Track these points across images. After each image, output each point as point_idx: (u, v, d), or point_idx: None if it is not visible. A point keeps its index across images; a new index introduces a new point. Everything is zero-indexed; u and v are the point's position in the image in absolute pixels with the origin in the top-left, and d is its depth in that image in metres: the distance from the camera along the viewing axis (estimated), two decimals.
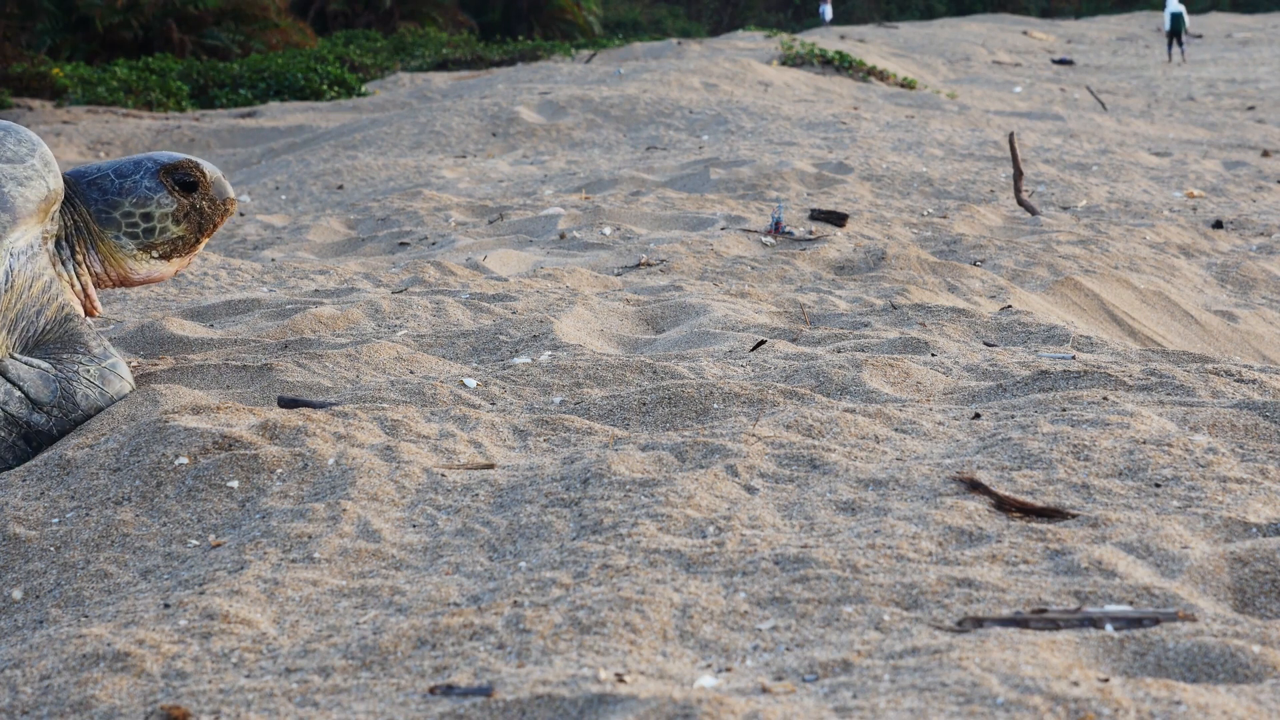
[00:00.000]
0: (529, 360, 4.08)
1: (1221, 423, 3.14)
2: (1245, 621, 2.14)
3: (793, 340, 4.46)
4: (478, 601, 2.33)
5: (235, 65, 25.13)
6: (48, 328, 3.80)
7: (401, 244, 7.55)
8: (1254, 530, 2.51)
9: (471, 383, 3.77)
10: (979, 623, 2.14)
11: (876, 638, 2.11)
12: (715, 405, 3.45)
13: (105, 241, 4.08)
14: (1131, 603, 2.20)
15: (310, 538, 2.64)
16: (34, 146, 3.89)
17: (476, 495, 2.84)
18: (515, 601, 2.29)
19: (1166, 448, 2.93)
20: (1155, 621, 2.13)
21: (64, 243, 4.04)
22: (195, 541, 2.75)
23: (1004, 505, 2.62)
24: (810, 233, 7.15)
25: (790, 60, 21.75)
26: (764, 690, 1.96)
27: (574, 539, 2.58)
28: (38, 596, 2.63)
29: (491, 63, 29.02)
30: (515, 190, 9.87)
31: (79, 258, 4.07)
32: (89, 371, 3.73)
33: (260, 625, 2.30)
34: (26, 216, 3.79)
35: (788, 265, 6.28)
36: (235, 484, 2.92)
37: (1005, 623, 2.14)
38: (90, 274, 4.11)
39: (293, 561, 2.55)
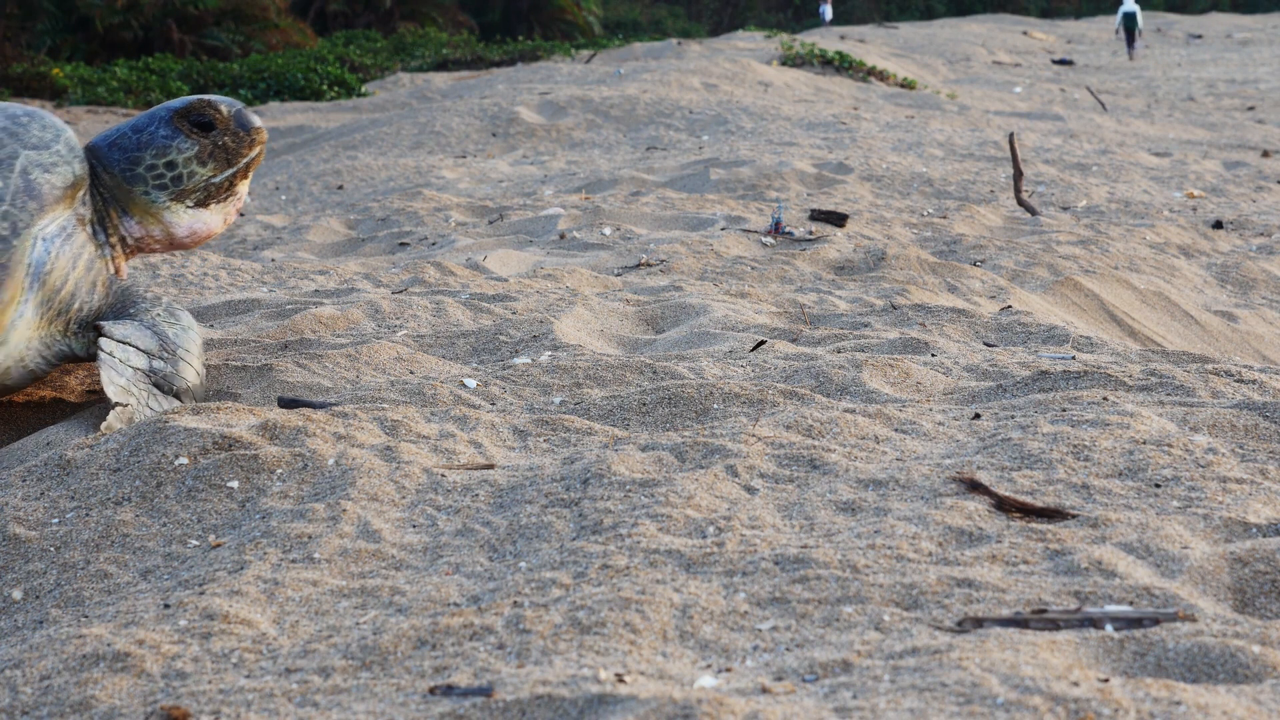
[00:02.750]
0: (529, 360, 4.09)
1: (1221, 423, 3.14)
2: (1245, 621, 2.14)
3: (793, 340, 4.46)
4: (478, 602, 2.33)
5: (235, 65, 25.14)
6: (102, 301, 3.90)
7: (401, 244, 7.56)
8: (1254, 530, 2.51)
9: (471, 383, 3.77)
10: (979, 623, 2.14)
11: (876, 638, 2.11)
12: (715, 405, 3.45)
13: (136, 201, 4.08)
14: (1131, 603, 2.20)
15: (310, 538, 2.64)
16: (59, 132, 3.91)
17: (476, 495, 2.84)
18: (515, 602, 2.29)
19: (1166, 448, 2.93)
20: (1155, 622, 2.13)
21: (97, 226, 4.06)
22: (195, 542, 2.75)
23: (1004, 505, 2.62)
24: (810, 233, 7.16)
25: (790, 60, 21.75)
26: (764, 690, 1.96)
27: (574, 539, 2.58)
28: (38, 597, 2.63)
29: (491, 63, 29.03)
30: (515, 190, 9.87)
31: (112, 240, 4.09)
32: (158, 313, 3.91)
33: (260, 625, 2.30)
34: (54, 203, 3.81)
35: (788, 265, 6.28)
36: (235, 484, 2.93)
37: (1005, 623, 2.14)
38: (126, 246, 4.13)
39: (293, 562, 2.55)
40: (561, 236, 7.30)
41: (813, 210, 7.70)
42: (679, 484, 2.77)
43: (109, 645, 2.22)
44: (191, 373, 3.84)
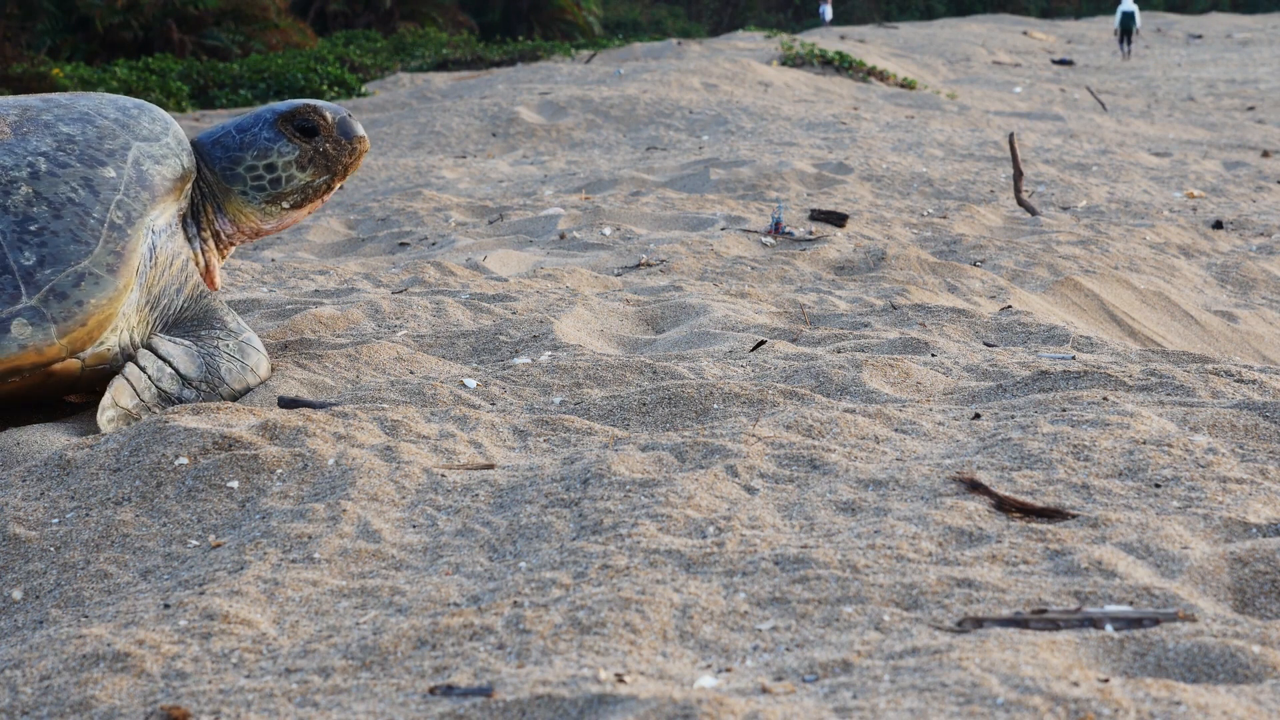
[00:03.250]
0: (529, 360, 4.09)
1: (1221, 423, 3.14)
2: (1245, 622, 2.14)
3: (793, 340, 4.46)
4: (478, 602, 2.33)
5: (235, 65, 25.14)
6: (185, 305, 3.90)
7: (401, 244, 7.55)
8: (1254, 530, 2.51)
9: (471, 383, 3.77)
10: (979, 623, 2.14)
11: (876, 638, 2.11)
12: (715, 405, 3.45)
13: (232, 199, 4.11)
14: (1131, 603, 2.20)
15: (310, 538, 2.64)
16: (167, 125, 3.95)
17: (476, 495, 2.84)
18: (515, 602, 2.29)
19: (1166, 448, 2.93)
20: (1155, 622, 2.13)
21: (189, 219, 4.08)
22: (195, 542, 2.75)
23: (1004, 505, 2.62)
24: (810, 233, 7.15)
25: (790, 60, 21.75)
26: (764, 690, 1.96)
27: (574, 539, 2.58)
28: (38, 597, 2.63)
29: (491, 63, 29.02)
30: (515, 190, 9.87)
31: (204, 234, 4.11)
32: (228, 345, 3.84)
33: (260, 625, 2.30)
34: (164, 195, 3.84)
35: (788, 265, 6.28)
36: (235, 484, 2.92)
37: (1005, 623, 2.14)
38: (219, 244, 4.15)
39: (293, 562, 2.55)
40: (561, 236, 7.30)
41: (813, 210, 7.70)
42: (679, 484, 2.77)
43: (109, 645, 2.22)
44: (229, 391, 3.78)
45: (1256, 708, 1.85)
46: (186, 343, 3.80)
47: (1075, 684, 1.89)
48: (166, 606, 2.39)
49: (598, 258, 6.62)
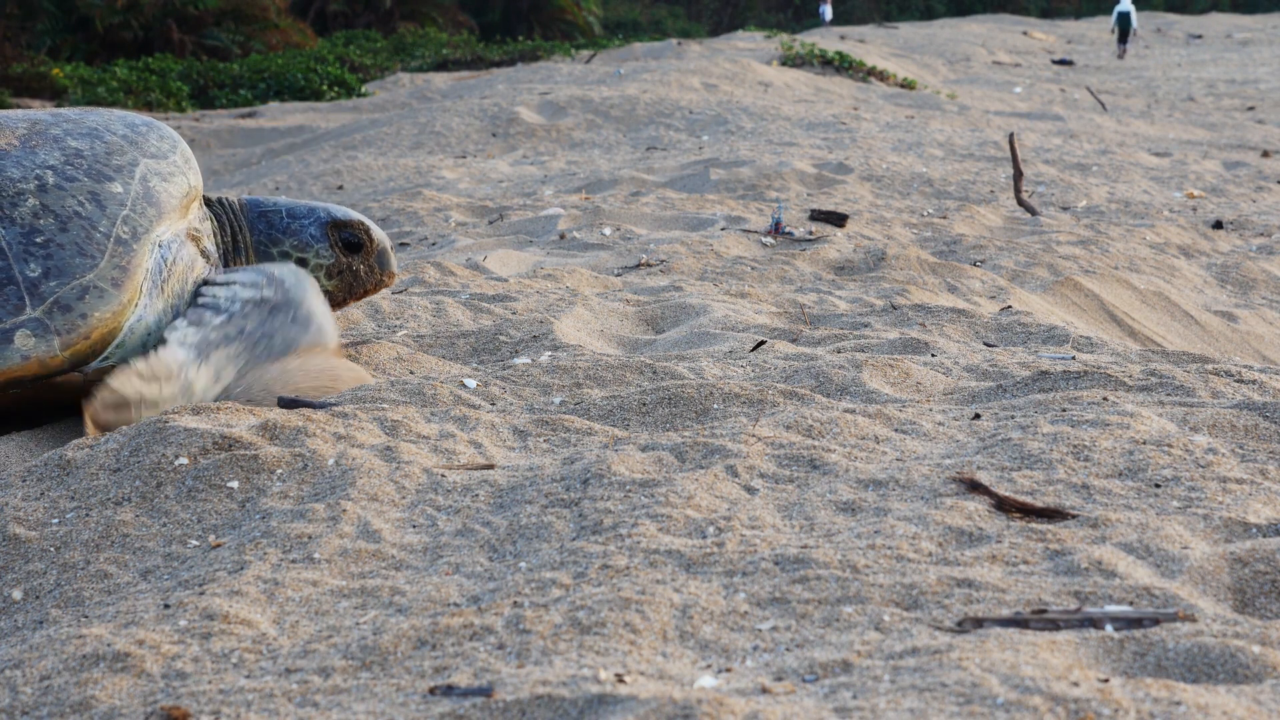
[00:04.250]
0: (529, 361, 4.09)
1: (1221, 423, 3.14)
2: (1245, 622, 2.14)
3: (793, 340, 4.46)
4: (478, 602, 2.33)
5: (235, 65, 25.14)
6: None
7: (401, 244, 7.55)
8: (1254, 530, 2.51)
9: (471, 383, 3.77)
10: (979, 623, 2.14)
11: (876, 638, 2.11)
12: (715, 405, 3.45)
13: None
14: (1131, 603, 2.20)
15: (310, 538, 2.64)
16: (175, 143, 3.99)
17: (476, 495, 2.84)
18: (515, 602, 2.29)
19: (1166, 448, 2.93)
20: (1155, 622, 2.13)
21: (221, 260, 4.13)
22: (195, 542, 2.75)
23: (1004, 505, 2.62)
24: (810, 233, 7.15)
25: (790, 61, 21.75)
26: (764, 690, 1.96)
27: (574, 539, 2.58)
28: (38, 597, 2.63)
29: (491, 63, 29.01)
30: (515, 190, 9.87)
31: None
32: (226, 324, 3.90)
33: (260, 625, 2.30)
34: (170, 212, 3.86)
35: (788, 265, 6.28)
36: (235, 484, 2.92)
37: (1005, 623, 2.14)
38: None
39: (293, 562, 2.55)
40: (561, 236, 7.30)
41: (813, 210, 7.70)
42: (679, 484, 2.77)
43: (109, 645, 2.22)
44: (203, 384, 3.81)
45: (1256, 708, 1.85)
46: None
47: (1075, 684, 1.89)
48: (166, 606, 2.39)
49: (598, 258, 6.62)
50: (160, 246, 3.81)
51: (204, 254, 4.02)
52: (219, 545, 2.70)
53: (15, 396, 3.57)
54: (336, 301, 4.25)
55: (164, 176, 3.87)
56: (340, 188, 10.86)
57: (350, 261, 4.22)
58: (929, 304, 5.16)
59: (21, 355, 3.50)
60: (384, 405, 3.45)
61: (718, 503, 2.71)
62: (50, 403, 3.68)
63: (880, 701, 1.88)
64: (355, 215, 4.26)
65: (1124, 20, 31.85)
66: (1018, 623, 2.14)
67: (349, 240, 4.22)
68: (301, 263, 4.16)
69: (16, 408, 3.65)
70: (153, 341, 3.74)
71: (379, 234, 4.28)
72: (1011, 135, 9.04)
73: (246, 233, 4.17)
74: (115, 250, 3.66)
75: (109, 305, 3.62)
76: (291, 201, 4.29)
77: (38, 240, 3.59)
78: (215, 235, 4.12)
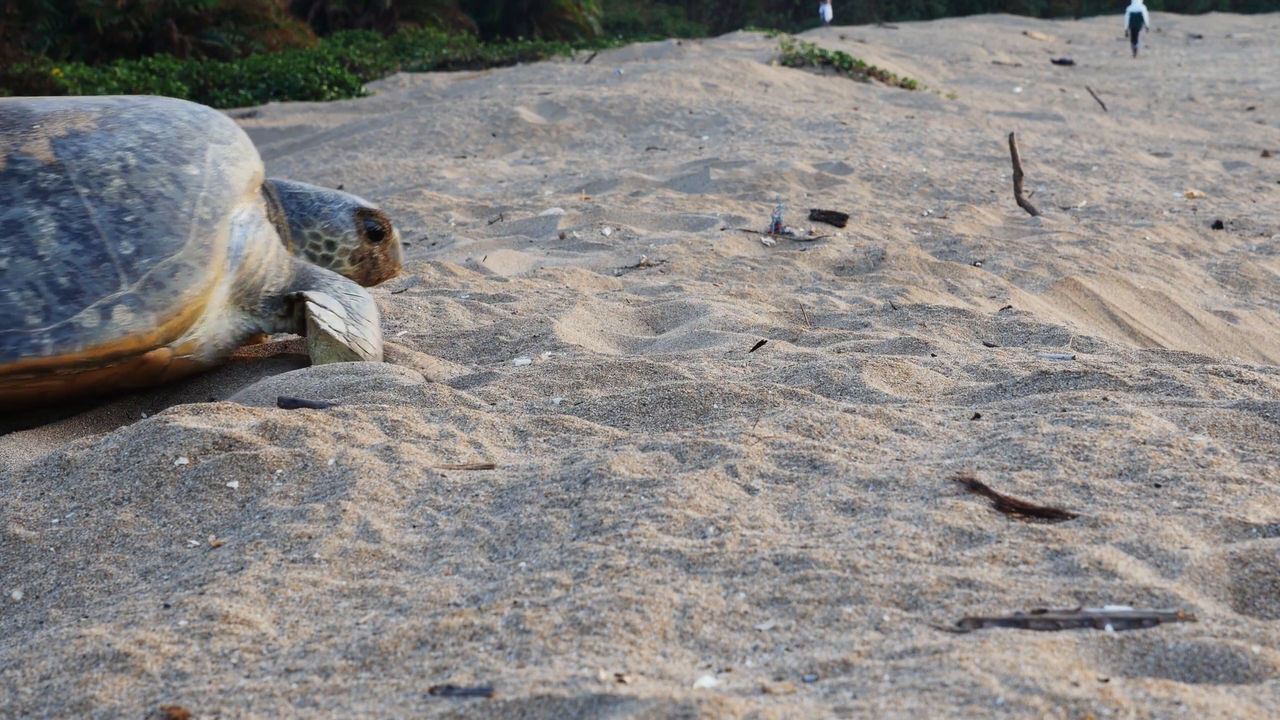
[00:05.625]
0: (529, 361, 4.09)
1: (1221, 423, 3.14)
2: (1245, 622, 2.14)
3: (793, 341, 4.46)
4: (478, 602, 2.33)
5: (235, 66, 25.12)
6: (288, 281, 4.13)
7: (402, 244, 7.55)
8: (1254, 530, 2.51)
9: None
10: (979, 623, 2.14)
11: (876, 638, 2.11)
12: (715, 406, 3.45)
13: (289, 248, 4.31)
14: (1131, 603, 2.20)
15: (310, 538, 2.63)
16: (235, 129, 4.14)
17: (476, 496, 2.83)
18: (515, 602, 2.29)
19: (1166, 448, 2.93)
20: (1155, 622, 2.13)
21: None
22: (195, 542, 2.75)
23: (1004, 506, 2.62)
24: (810, 233, 7.15)
25: (790, 61, 21.75)
26: (764, 690, 1.96)
27: (574, 539, 2.58)
28: (38, 597, 2.63)
29: (491, 63, 29.01)
30: (515, 190, 9.87)
31: None
32: (338, 287, 4.14)
33: (260, 625, 2.30)
34: (242, 194, 4.01)
35: (788, 265, 6.28)
36: (235, 484, 2.92)
37: (1005, 623, 2.14)
38: None
39: (293, 562, 2.55)
40: (561, 236, 7.30)
41: (813, 210, 7.70)
42: (679, 484, 2.77)
43: (109, 645, 2.22)
44: (374, 338, 4.04)
45: (1256, 708, 1.85)
46: (320, 291, 4.07)
47: (1075, 684, 1.89)
48: (166, 606, 2.39)
49: (598, 258, 6.62)
50: (239, 226, 3.95)
51: (272, 221, 4.20)
52: (219, 545, 2.70)
53: (109, 372, 3.69)
54: None
55: (231, 160, 4.00)
56: (340, 188, 10.86)
57: (372, 249, 4.38)
58: (929, 304, 5.16)
59: (121, 330, 3.63)
60: (384, 405, 3.45)
61: (718, 503, 2.71)
62: (136, 379, 3.80)
63: (880, 701, 1.88)
64: (376, 206, 4.49)
65: (1136, 20, 32.51)
66: (1018, 623, 2.14)
67: (373, 228, 4.38)
68: (330, 245, 4.32)
69: (101, 386, 3.76)
70: (237, 315, 3.93)
71: (394, 228, 4.47)
72: (1011, 135, 9.04)
73: (281, 212, 4.30)
74: (199, 229, 3.80)
75: (198, 282, 3.76)
76: (315, 187, 4.46)
77: (128, 219, 3.71)
78: (269, 216, 4.26)
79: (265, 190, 4.30)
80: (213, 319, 3.87)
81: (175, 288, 3.71)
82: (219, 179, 3.91)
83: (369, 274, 4.42)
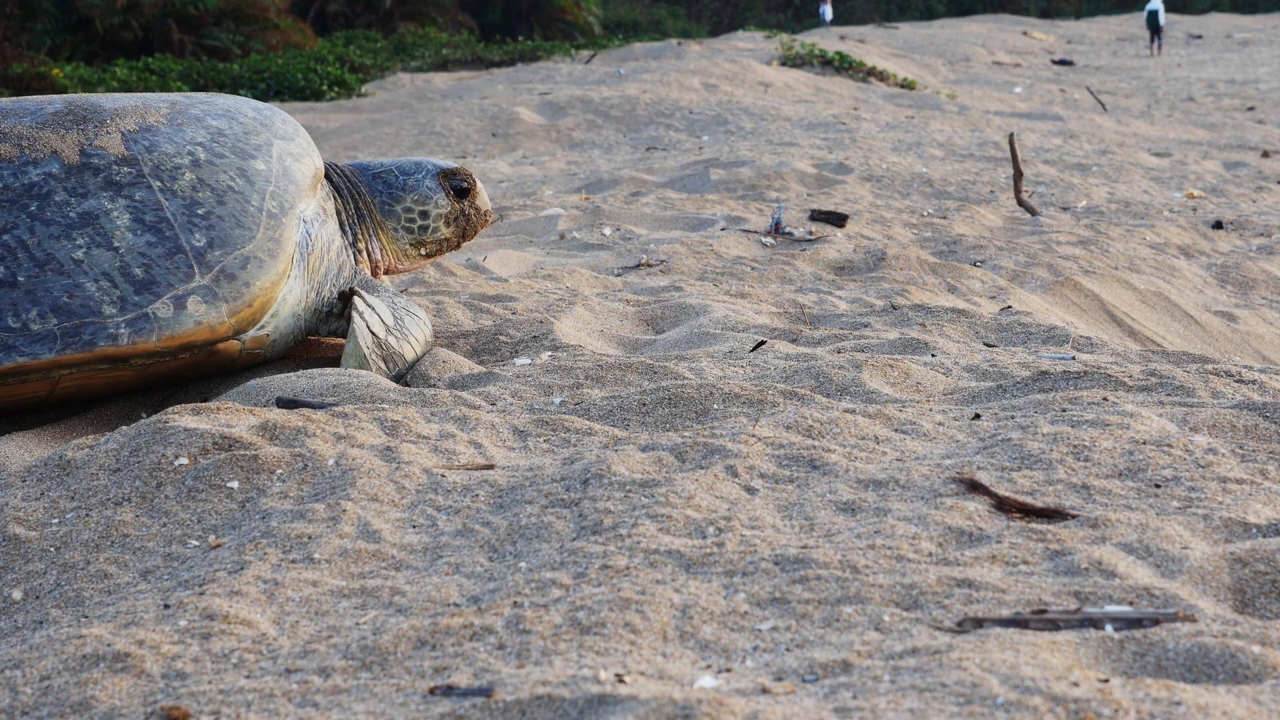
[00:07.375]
0: (529, 361, 4.09)
1: (1221, 423, 3.14)
2: (1245, 622, 2.14)
3: (793, 341, 4.46)
4: (478, 602, 2.33)
5: (235, 66, 25.13)
6: (346, 284, 4.15)
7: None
8: (1254, 530, 2.51)
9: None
10: (979, 623, 2.14)
11: (876, 638, 2.11)
12: (715, 406, 3.45)
13: (386, 232, 4.40)
14: (1131, 603, 2.20)
15: (310, 538, 2.64)
16: (297, 127, 4.20)
17: (476, 496, 2.84)
18: (515, 602, 2.29)
19: (1166, 448, 2.93)
20: (1155, 622, 2.13)
21: (346, 228, 4.34)
22: (195, 542, 2.75)
23: (1004, 506, 2.62)
24: (810, 233, 7.15)
25: (790, 61, 21.75)
26: (764, 691, 1.96)
27: (574, 539, 2.58)
28: (38, 597, 2.63)
29: (491, 63, 29.01)
30: (515, 191, 9.87)
31: (360, 245, 4.38)
32: (398, 301, 4.14)
33: (260, 626, 2.30)
34: (307, 190, 4.07)
35: (788, 266, 6.28)
36: (235, 484, 2.92)
37: (1005, 623, 2.14)
38: (369, 260, 4.42)
39: (293, 562, 2.55)
40: (561, 237, 7.30)
41: (813, 210, 7.70)
42: (679, 484, 2.77)
43: (109, 645, 2.22)
44: (411, 354, 4.02)
45: (1256, 708, 1.85)
46: (374, 295, 4.07)
47: (1075, 684, 1.89)
48: (166, 607, 2.39)
49: (598, 258, 6.63)
50: (305, 222, 4.00)
51: (342, 229, 4.24)
52: (219, 545, 2.70)
53: (180, 363, 3.74)
54: (452, 246, 4.51)
55: (295, 156, 4.05)
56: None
57: (463, 206, 4.46)
58: (929, 304, 5.16)
59: (195, 321, 3.68)
60: (384, 405, 3.45)
61: (718, 503, 2.71)
62: (205, 370, 3.85)
63: (880, 702, 1.88)
64: (455, 164, 4.51)
65: (1153, 18, 32.72)
66: (1018, 623, 2.14)
67: (459, 186, 4.46)
68: (424, 215, 4.40)
69: (174, 377, 3.81)
70: (300, 311, 3.95)
71: (476, 179, 4.52)
72: (1011, 135, 9.04)
73: (367, 196, 4.36)
74: (268, 223, 3.85)
75: (268, 275, 3.81)
76: (394, 160, 4.50)
77: (199, 212, 3.76)
78: (340, 211, 4.30)
79: (330, 180, 4.34)
80: (285, 313, 3.92)
81: (246, 279, 3.76)
82: (285, 174, 3.97)
83: (465, 232, 4.49)
